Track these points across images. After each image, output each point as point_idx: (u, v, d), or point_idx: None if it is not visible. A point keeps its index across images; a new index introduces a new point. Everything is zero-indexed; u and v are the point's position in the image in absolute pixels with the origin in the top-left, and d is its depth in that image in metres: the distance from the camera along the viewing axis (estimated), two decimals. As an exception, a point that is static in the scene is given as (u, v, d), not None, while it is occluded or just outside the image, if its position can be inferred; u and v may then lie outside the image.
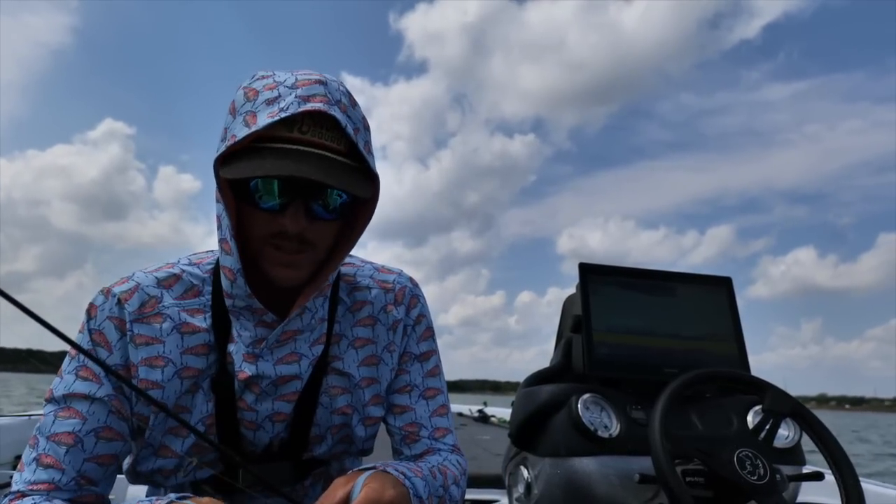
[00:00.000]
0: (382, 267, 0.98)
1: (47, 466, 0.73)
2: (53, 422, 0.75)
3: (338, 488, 0.67)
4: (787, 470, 1.04)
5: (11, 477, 2.00)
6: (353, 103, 0.78)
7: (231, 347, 0.80)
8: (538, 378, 1.26)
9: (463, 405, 5.78)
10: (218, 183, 0.76)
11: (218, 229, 0.78)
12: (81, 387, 0.76)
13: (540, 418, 1.13)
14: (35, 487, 0.73)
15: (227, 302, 0.80)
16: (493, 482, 2.15)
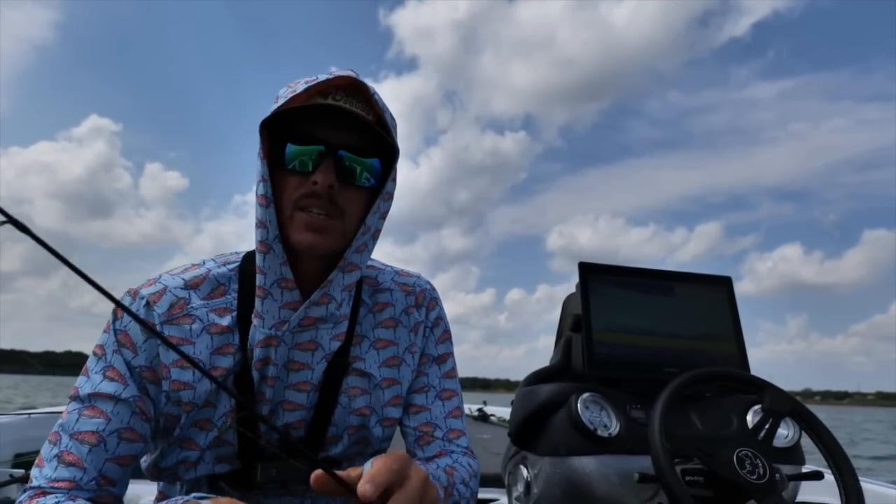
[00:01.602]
0: (402, 270, 1.00)
1: (69, 464, 0.73)
2: (77, 420, 0.76)
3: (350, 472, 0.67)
4: (786, 469, 1.04)
5: (11, 475, 2.01)
6: (381, 97, 0.84)
7: (252, 330, 0.81)
8: (538, 377, 1.26)
9: (465, 406, 5.76)
10: (260, 153, 0.80)
11: (257, 208, 0.80)
12: (108, 387, 0.77)
13: (539, 417, 1.13)
14: (56, 485, 0.72)
15: (259, 279, 0.80)
16: (493, 481, 2.15)
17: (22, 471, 1.99)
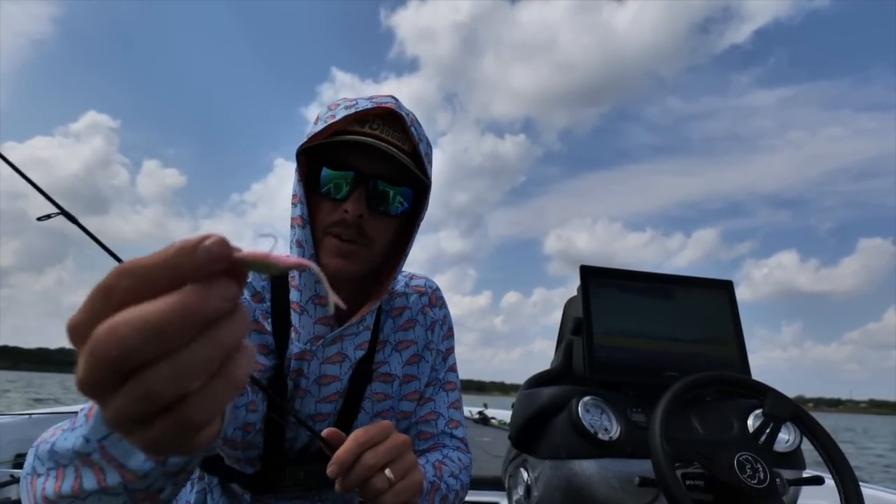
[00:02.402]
0: (412, 274, 1.07)
1: None
2: None
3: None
4: (787, 474, 1.04)
5: (12, 475, 2.00)
6: (420, 125, 0.87)
7: (289, 342, 0.84)
8: (538, 380, 1.26)
9: (464, 407, 5.77)
10: (297, 176, 0.82)
11: (292, 228, 0.83)
12: None
13: (540, 420, 1.13)
14: None
15: (295, 295, 0.83)
16: (493, 484, 2.15)
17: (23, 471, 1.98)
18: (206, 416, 0.29)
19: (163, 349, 0.27)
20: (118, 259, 0.59)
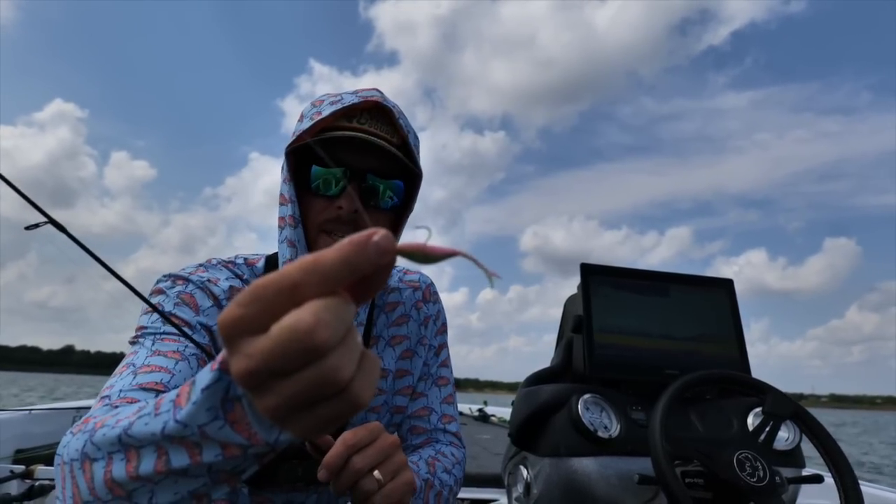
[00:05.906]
0: (406, 269, 1.07)
1: (154, 370, 0.68)
2: (153, 343, 0.73)
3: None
4: (786, 472, 1.04)
5: (12, 471, 2.00)
6: (405, 116, 0.87)
7: None
8: (538, 378, 1.26)
9: (463, 404, 5.79)
10: (287, 174, 0.82)
11: (280, 228, 0.83)
12: (175, 329, 0.75)
13: (540, 418, 1.13)
14: (146, 385, 0.66)
15: None
16: (493, 481, 2.16)
17: (23, 466, 1.99)
18: (369, 392, 0.33)
19: (347, 333, 0.31)
20: (110, 270, 0.58)
